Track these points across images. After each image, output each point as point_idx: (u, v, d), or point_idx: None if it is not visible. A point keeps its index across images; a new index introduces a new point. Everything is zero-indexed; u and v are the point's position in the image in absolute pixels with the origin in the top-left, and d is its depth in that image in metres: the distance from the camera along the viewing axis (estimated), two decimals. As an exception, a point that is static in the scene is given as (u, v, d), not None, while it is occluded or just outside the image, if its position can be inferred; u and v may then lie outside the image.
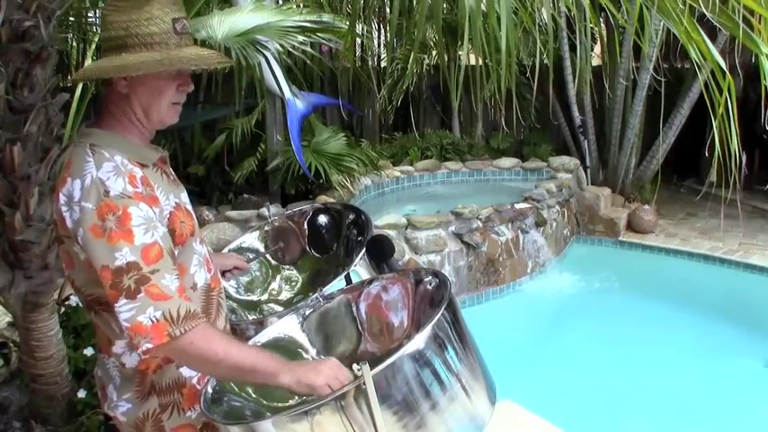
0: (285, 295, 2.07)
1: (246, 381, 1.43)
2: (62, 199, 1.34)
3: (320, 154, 5.54)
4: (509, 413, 2.74)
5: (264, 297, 2.06)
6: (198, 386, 1.49)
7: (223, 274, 1.85)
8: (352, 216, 2.09)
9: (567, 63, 6.72)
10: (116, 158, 1.34)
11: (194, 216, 1.53)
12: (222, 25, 4.41)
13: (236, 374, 1.36)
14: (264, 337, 1.65)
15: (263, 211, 4.93)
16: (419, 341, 1.28)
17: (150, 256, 1.28)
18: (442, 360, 1.31)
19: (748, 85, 6.64)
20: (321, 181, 5.38)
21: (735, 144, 2.05)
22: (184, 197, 1.52)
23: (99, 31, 1.41)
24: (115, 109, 1.41)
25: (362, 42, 7.21)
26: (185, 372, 1.48)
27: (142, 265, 1.26)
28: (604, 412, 3.64)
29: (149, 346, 1.25)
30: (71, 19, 4.19)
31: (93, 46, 4.06)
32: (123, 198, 1.29)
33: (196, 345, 1.28)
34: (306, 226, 2.14)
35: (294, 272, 2.12)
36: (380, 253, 1.80)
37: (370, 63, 7.67)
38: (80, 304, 3.03)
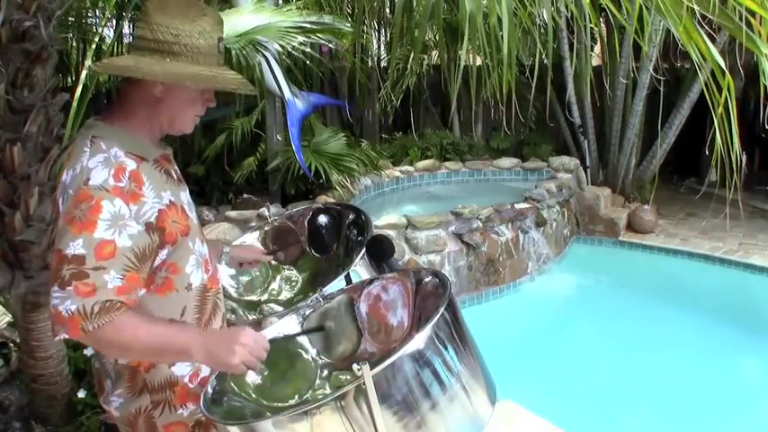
0: (285, 295, 2.07)
1: (164, 361, 1.46)
2: (60, 187, 1.37)
3: (320, 154, 5.54)
4: (509, 413, 2.74)
5: (264, 297, 2.06)
6: (190, 385, 1.51)
7: (241, 265, 1.91)
8: (352, 216, 2.09)
9: (567, 63, 6.73)
10: (111, 150, 1.34)
11: (193, 216, 1.51)
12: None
13: (150, 357, 1.42)
14: (264, 337, 1.65)
15: (263, 211, 4.94)
16: (419, 341, 1.28)
17: (103, 252, 1.28)
18: (441, 360, 1.31)
19: (748, 84, 6.64)
20: (321, 181, 5.38)
21: (735, 144, 2.05)
22: (184, 197, 1.51)
23: (137, 27, 1.39)
24: (139, 109, 1.41)
25: (362, 43, 7.20)
26: (177, 371, 1.50)
27: (88, 261, 1.27)
28: (604, 412, 3.64)
29: (65, 335, 1.28)
30: (71, 19, 4.19)
31: (94, 46, 4.05)
32: (100, 190, 1.29)
33: (107, 338, 1.30)
34: (306, 226, 2.14)
35: (294, 272, 2.12)
36: (380, 253, 1.80)
37: (369, 63, 7.67)
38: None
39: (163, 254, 1.41)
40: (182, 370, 1.50)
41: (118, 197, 1.31)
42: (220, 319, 1.61)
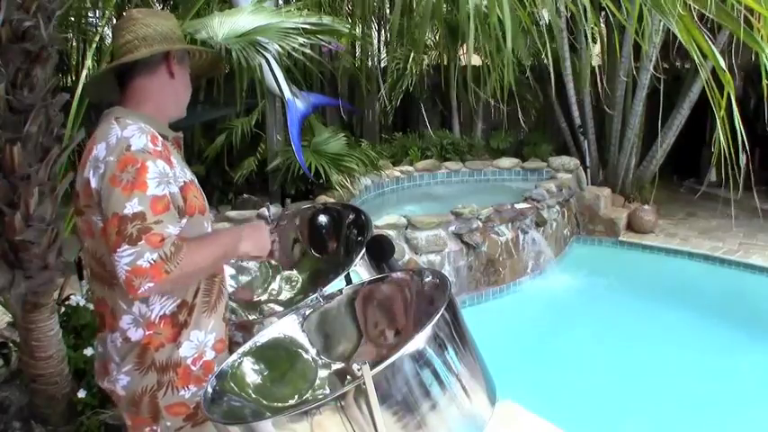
0: (285, 295, 2.07)
1: (223, 263, 1.69)
2: (89, 164, 1.47)
3: (320, 154, 5.54)
4: (509, 413, 2.74)
5: (264, 297, 2.06)
6: (192, 367, 1.56)
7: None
8: (352, 216, 2.09)
9: (567, 63, 6.73)
10: (140, 123, 1.49)
11: (205, 200, 1.64)
12: (222, 26, 4.41)
13: (215, 268, 1.61)
14: (264, 337, 1.65)
15: (263, 211, 4.94)
16: (419, 341, 1.28)
17: (158, 207, 1.41)
18: (441, 360, 1.31)
19: (748, 84, 6.64)
20: (321, 181, 5.38)
21: (738, 141, 2.05)
22: (196, 181, 1.63)
23: (134, 31, 1.59)
24: (151, 94, 1.58)
25: (362, 44, 7.21)
26: (182, 352, 1.55)
27: (148, 216, 1.39)
28: (604, 412, 3.64)
29: (150, 285, 1.37)
30: (71, 19, 4.19)
31: (94, 46, 4.05)
32: (143, 153, 1.43)
33: (186, 270, 1.42)
34: (306, 226, 2.14)
35: (294, 272, 2.12)
36: (380, 253, 1.80)
37: (369, 63, 7.67)
38: (80, 304, 3.03)
39: (182, 224, 1.49)
40: (186, 352, 1.55)
41: (159, 158, 1.44)
42: (224, 306, 1.67)
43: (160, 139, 1.49)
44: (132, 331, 1.53)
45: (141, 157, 1.42)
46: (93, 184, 1.45)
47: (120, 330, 1.54)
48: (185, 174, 1.54)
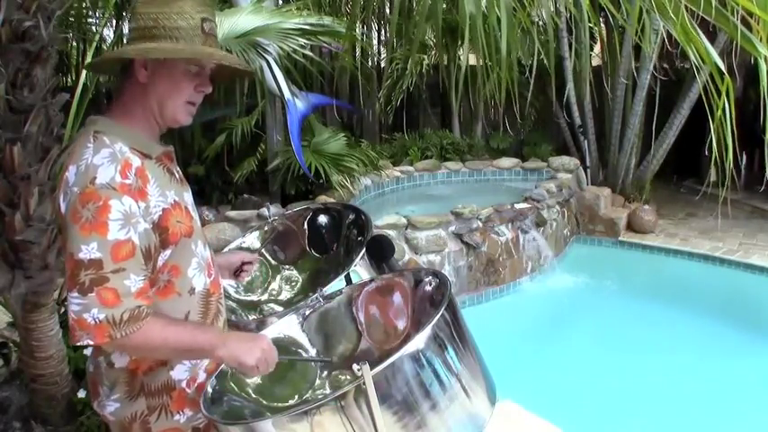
0: (285, 295, 2.07)
1: (189, 358, 1.47)
2: (62, 184, 1.34)
3: (320, 154, 5.54)
4: (509, 413, 2.74)
5: (264, 297, 2.06)
6: (187, 390, 1.48)
7: (237, 275, 1.82)
8: (352, 216, 2.09)
9: (567, 63, 6.73)
10: (116, 146, 1.33)
11: (196, 218, 1.50)
12: (222, 26, 4.41)
13: (177, 356, 1.43)
14: (264, 337, 1.65)
15: (263, 211, 4.93)
16: (419, 341, 1.28)
17: (120, 253, 1.27)
18: (442, 360, 1.31)
19: (748, 84, 6.64)
20: (321, 181, 5.38)
21: (731, 148, 2.05)
22: (187, 197, 1.50)
23: (128, 23, 1.40)
24: (130, 100, 1.40)
25: (362, 45, 7.21)
26: (175, 375, 1.47)
27: (106, 264, 1.25)
28: (604, 412, 3.64)
29: (89, 342, 1.26)
30: (71, 19, 4.19)
31: (94, 46, 4.05)
32: (107, 189, 1.27)
33: (135, 343, 1.30)
34: (306, 226, 2.14)
35: (294, 272, 2.12)
36: (380, 253, 1.80)
37: (369, 63, 7.67)
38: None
39: (165, 254, 1.39)
40: (180, 374, 1.47)
41: (126, 195, 1.29)
42: (222, 325, 1.58)
43: (135, 165, 1.33)
44: (117, 356, 1.43)
45: (105, 194, 1.26)
46: (62, 209, 1.32)
47: (104, 354, 1.44)
48: (167, 198, 1.38)
